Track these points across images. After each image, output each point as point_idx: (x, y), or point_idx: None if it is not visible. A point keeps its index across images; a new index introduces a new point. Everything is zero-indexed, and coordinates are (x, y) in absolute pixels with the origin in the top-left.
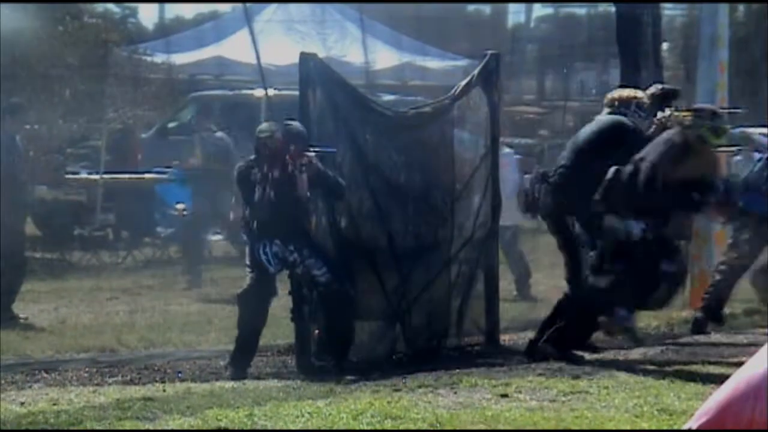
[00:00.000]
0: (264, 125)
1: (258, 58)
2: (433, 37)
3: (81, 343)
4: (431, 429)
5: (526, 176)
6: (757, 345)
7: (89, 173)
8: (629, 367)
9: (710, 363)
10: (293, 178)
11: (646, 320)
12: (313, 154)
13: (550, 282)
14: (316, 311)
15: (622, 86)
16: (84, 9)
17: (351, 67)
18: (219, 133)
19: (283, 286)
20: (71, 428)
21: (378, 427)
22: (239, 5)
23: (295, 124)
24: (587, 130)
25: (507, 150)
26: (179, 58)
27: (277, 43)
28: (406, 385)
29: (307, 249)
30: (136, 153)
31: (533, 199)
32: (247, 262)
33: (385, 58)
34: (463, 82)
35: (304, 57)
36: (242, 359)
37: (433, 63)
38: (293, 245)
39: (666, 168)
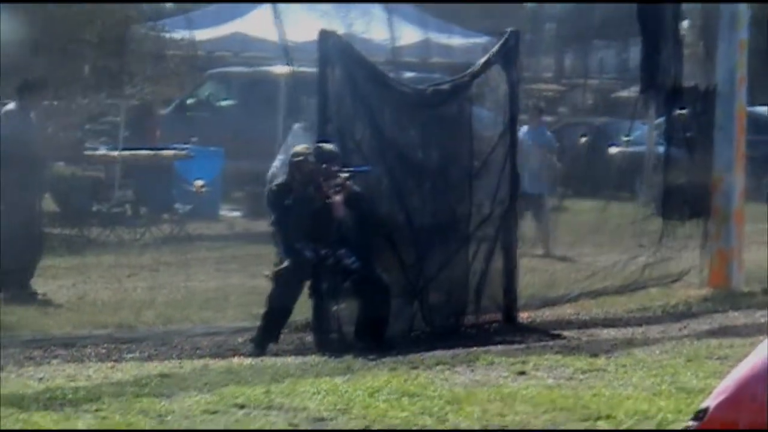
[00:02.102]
0: (298, 148)
1: (280, 35)
2: (454, 16)
3: (99, 319)
4: (448, 406)
5: None
6: None
7: (108, 149)
8: (647, 345)
9: (728, 341)
10: (328, 201)
11: (665, 299)
12: (346, 175)
13: (571, 260)
14: (337, 291)
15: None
16: None
17: (371, 44)
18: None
19: None
20: (89, 404)
21: (395, 404)
22: None
23: (328, 145)
24: None
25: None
26: (198, 35)
27: (297, 20)
28: (424, 362)
29: (337, 242)
30: (155, 129)
31: None
32: (281, 251)
33: (407, 35)
34: (482, 60)
35: (324, 34)
36: (267, 337)
37: (455, 41)
38: (324, 242)
39: None
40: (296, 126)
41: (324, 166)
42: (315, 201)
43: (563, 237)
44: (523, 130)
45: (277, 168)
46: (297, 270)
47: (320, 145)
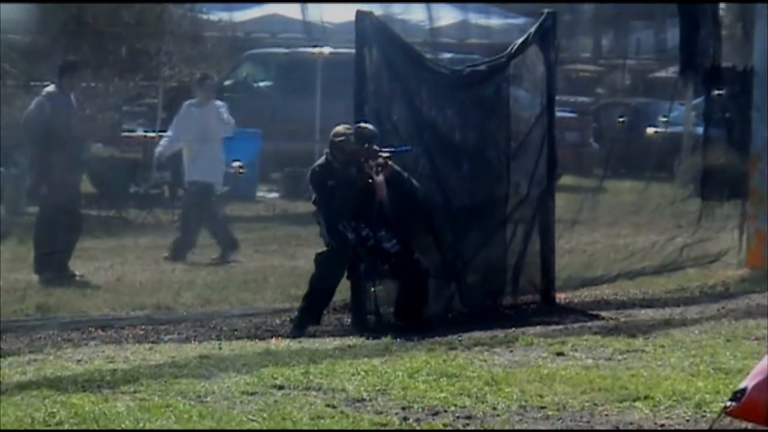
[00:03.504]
0: (339, 128)
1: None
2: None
3: (137, 300)
4: (487, 387)
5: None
6: None
7: (145, 131)
8: (685, 325)
9: (766, 321)
10: (370, 181)
11: (703, 279)
12: (387, 154)
13: (608, 241)
14: (377, 272)
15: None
16: None
17: (409, 24)
18: None
19: None
20: (127, 385)
21: (433, 385)
22: None
23: (368, 125)
24: None
25: None
26: (236, 16)
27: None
28: (462, 343)
29: (377, 224)
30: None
31: None
32: (323, 234)
33: (445, 16)
34: (519, 41)
35: (360, 15)
36: (307, 319)
37: (493, 21)
38: (365, 222)
39: None
40: (186, 103)
41: (365, 146)
42: (357, 182)
43: (603, 217)
44: None
45: (163, 146)
46: (340, 251)
47: (360, 125)
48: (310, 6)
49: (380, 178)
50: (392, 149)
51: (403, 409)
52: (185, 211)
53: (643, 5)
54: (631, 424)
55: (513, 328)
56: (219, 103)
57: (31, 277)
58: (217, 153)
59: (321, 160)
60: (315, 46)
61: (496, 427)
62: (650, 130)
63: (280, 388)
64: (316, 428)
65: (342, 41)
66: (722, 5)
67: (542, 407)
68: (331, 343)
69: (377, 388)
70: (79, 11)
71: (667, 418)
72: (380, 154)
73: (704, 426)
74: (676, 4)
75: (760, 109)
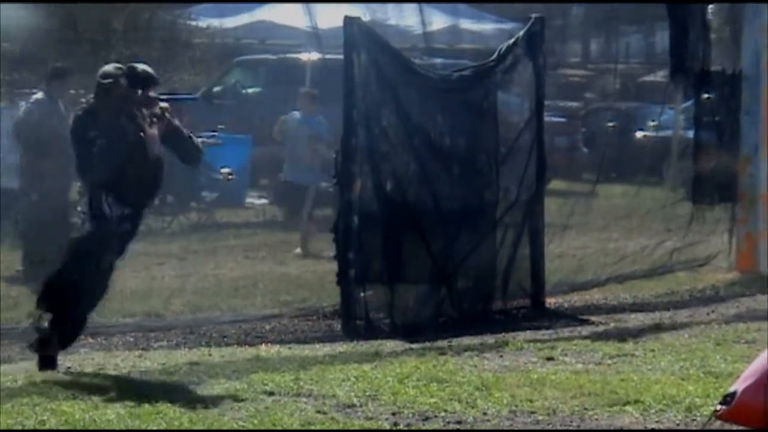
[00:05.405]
0: (108, 68)
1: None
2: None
3: (127, 307)
4: (477, 392)
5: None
6: None
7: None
8: (675, 329)
9: (756, 325)
10: (141, 135)
11: (693, 283)
12: (166, 104)
13: (598, 245)
14: (363, 275)
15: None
16: None
17: (398, 29)
18: None
19: (329, 249)
20: (117, 393)
21: (424, 390)
22: None
23: (143, 66)
24: None
25: None
26: (225, 22)
27: (324, 6)
28: (452, 348)
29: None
30: (181, 117)
31: None
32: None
33: (436, 21)
34: (506, 45)
35: (348, 20)
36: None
37: (484, 26)
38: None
39: None
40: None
41: (139, 91)
42: (127, 135)
43: (593, 222)
44: (295, 115)
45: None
46: (97, 231)
47: (134, 65)
48: (302, 11)
49: (153, 130)
50: (173, 95)
51: (394, 414)
52: None
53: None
54: (621, 428)
55: (503, 333)
56: None
57: (20, 285)
58: None
59: (85, 105)
60: (304, 52)
61: None
62: (639, 134)
63: (271, 394)
64: None
65: (335, 46)
66: (710, 8)
67: (532, 412)
68: (321, 349)
69: (367, 393)
70: (68, 18)
71: (657, 422)
72: (159, 101)
73: (695, 429)
74: (666, 7)
75: (750, 112)
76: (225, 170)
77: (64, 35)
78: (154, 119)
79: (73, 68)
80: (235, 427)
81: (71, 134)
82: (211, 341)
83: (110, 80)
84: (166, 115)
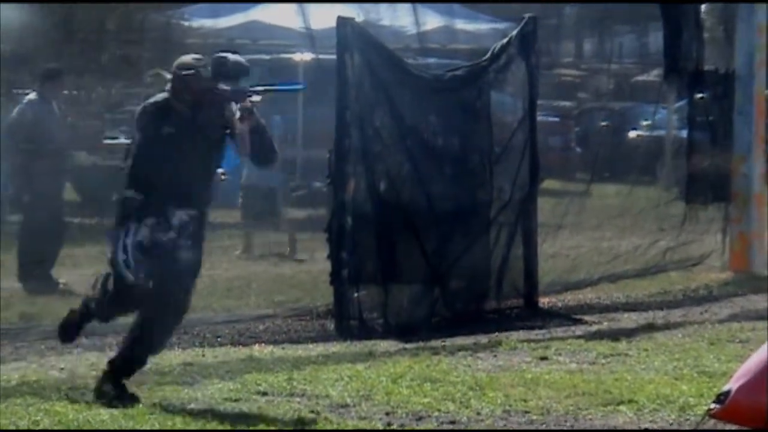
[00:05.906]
0: (186, 58)
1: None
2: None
3: None
4: (471, 392)
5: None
6: None
7: (128, 138)
8: (668, 329)
9: (749, 324)
10: (227, 132)
11: (686, 282)
12: (259, 97)
13: (591, 244)
14: (357, 275)
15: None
16: None
17: (392, 29)
18: None
19: (323, 248)
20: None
21: (417, 390)
22: None
23: (234, 56)
24: None
25: None
26: (218, 23)
27: (317, 7)
28: (446, 348)
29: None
30: None
31: None
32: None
33: (431, 21)
34: (499, 45)
35: (341, 21)
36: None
37: (478, 26)
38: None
39: None
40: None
41: (226, 85)
42: (207, 132)
43: (587, 221)
44: None
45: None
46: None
47: (221, 54)
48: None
49: (244, 126)
50: (272, 87)
51: (387, 414)
52: None
53: (626, 9)
54: (615, 428)
55: (496, 333)
56: None
57: (14, 285)
58: None
59: (158, 97)
60: (297, 52)
61: None
62: (632, 134)
63: (264, 394)
64: None
65: (328, 47)
66: (703, 8)
67: (526, 412)
68: (315, 349)
69: (361, 393)
70: (62, 19)
71: (651, 421)
72: (250, 95)
73: (688, 429)
74: (659, 7)
75: (743, 111)
76: (218, 171)
77: (56, 37)
78: (244, 114)
79: (66, 69)
80: (229, 427)
81: (139, 130)
82: (204, 341)
83: (191, 71)
84: (255, 111)
